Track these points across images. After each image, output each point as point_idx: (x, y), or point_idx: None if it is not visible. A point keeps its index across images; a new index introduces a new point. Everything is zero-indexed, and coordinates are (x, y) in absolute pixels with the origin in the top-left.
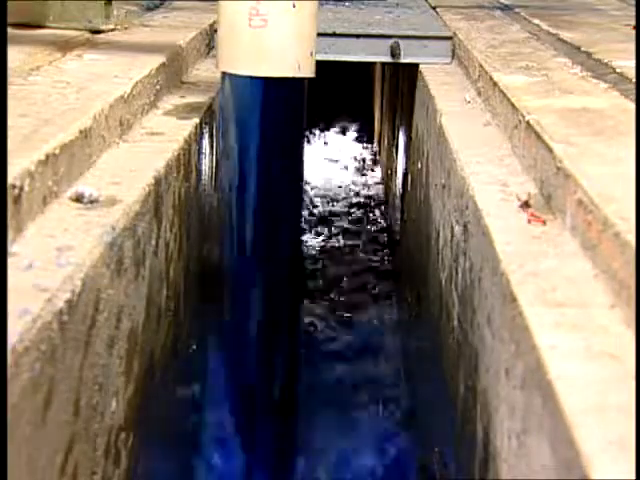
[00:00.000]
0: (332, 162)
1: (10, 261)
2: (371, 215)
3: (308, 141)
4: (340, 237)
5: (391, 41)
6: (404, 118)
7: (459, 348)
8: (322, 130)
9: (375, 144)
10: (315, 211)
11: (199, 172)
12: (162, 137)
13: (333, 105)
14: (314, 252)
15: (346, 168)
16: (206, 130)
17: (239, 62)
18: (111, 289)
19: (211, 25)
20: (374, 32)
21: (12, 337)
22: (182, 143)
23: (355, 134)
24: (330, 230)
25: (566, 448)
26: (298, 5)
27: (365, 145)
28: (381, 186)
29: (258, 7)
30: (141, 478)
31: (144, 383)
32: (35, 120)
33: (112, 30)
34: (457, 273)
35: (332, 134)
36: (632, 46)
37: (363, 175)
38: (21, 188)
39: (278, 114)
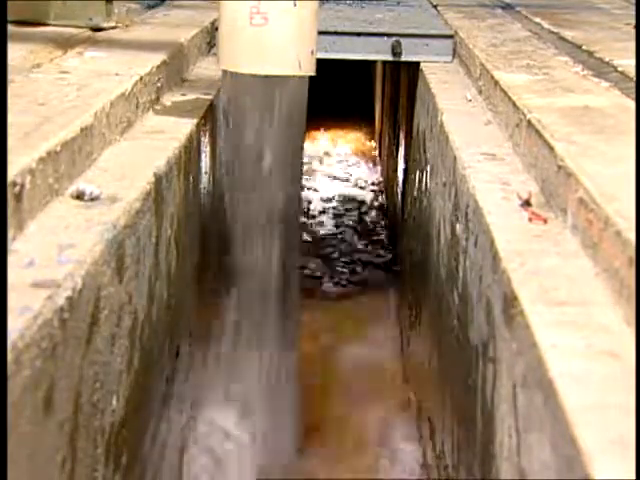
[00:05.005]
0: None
1: (11, 259)
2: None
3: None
4: None
5: (392, 39)
6: (405, 116)
7: (459, 346)
8: (322, 129)
9: (376, 142)
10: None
11: (200, 170)
12: (163, 135)
13: (334, 104)
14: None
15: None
16: (207, 128)
17: (240, 60)
18: (112, 286)
19: (212, 23)
20: (375, 30)
21: (13, 334)
22: (183, 141)
23: (355, 132)
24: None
25: (567, 446)
26: (299, 3)
27: (365, 144)
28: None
29: (259, 5)
30: None
31: (145, 380)
32: (36, 117)
33: (113, 28)
34: (458, 271)
35: (332, 133)
36: (633, 45)
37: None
38: (22, 185)
39: (279, 112)
